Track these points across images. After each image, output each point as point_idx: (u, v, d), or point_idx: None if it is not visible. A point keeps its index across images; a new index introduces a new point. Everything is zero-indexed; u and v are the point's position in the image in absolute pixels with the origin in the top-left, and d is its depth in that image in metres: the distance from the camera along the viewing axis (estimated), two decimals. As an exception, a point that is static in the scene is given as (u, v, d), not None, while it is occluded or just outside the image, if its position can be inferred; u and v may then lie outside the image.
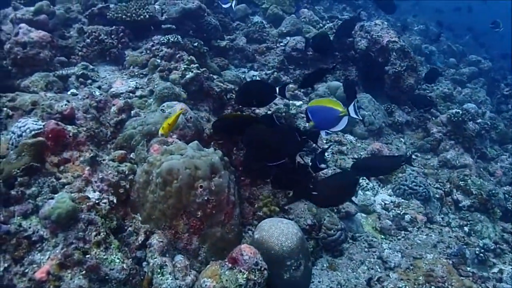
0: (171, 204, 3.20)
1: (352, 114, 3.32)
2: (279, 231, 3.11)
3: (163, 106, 3.97)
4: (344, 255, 4.06)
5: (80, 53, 4.98)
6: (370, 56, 6.63)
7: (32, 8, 5.20)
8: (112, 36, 5.24)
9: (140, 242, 3.22)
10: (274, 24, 7.52)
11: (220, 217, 3.30)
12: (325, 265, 3.94)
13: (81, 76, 4.64)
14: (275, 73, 5.95)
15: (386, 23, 6.96)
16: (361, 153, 5.44)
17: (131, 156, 3.75)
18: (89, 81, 4.68)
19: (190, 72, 4.52)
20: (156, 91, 4.33)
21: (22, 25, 4.67)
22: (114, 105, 4.17)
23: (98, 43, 5.03)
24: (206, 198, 3.20)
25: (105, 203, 3.23)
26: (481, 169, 6.23)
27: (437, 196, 5.12)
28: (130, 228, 3.38)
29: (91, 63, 4.95)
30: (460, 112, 6.45)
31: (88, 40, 5.02)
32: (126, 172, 3.50)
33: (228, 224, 3.37)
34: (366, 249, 4.20)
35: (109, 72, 4.95)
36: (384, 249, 4.27)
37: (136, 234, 3.31)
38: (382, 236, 4.47)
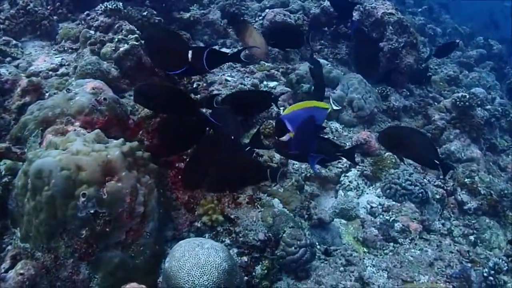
0: (44, 220, 2.11)
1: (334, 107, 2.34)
2: (193, 262, 1.98)
3: (72, 84, 2.87)
4: (311, 277, 2.92)
5: (1, 26, 3.88)
6: (362, 31, 5.41)
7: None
8: (48, 7, 4.14)
9: (2, 271, 2.14)
10: (258, -2, 6.32)
11: (118, 236, 2.21)
12: (284, 291, 2.81)
13: (-2, 53, 3.56)
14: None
15: (381, -6, 5.72)
16: (346, 143, 4.26)
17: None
18: (9, 58, 3.59)
19: (125, 44, 3.40)
20: (78, 68, 3.23)
21: None
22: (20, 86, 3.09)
23: (25, 14, 3.93)
24: (92, 211, 2.09)
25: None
26: (491, 164, 5.00)
27: (437, 196, 3.92)
28: (9, 247, 2.33)
29: (16, 38, 3.86)
30: (467, 96, 5.19)
31: (12, 11, 3.92)
32: (2, 173, 2.41)
33: (134, 245, 2.26)
34: (342, 268, 3.05)
35: (37, 48, 3.87)
36: (366, 267, 3.12)
37: (10, 258, 2.25)
38: (365, 250, 3.32)
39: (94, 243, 2.15)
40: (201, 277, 1.93)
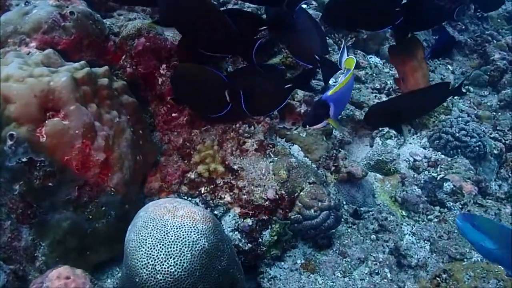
0: (-38, 169, 1.49)
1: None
2: (158, 236, 1.34)
3: (34, -5, 2.17)
4: (334, 246, 2.26)
5: None
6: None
7: None
8: None
9: None
10: None
11: (67, 193, 1.57)
12: (298, 261, 2.17)
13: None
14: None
15: None
16: (387, 82, 3.44)
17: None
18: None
19: None
20: (54, -23, 2.51)
21: None
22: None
23: None
24: (25, 159, 1.46)
25: None
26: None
27: (495, 151, 3.09)
28: None
29: None
30: (534, 34, 4.18)
31: None
32: None
33: (91, 204, 1.63)
34: (373, 235, 2.37)
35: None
36: (404, 235, 2.43)
37: None
38: (404, 213, 2.60)
39: (34, 201, 1.54)
40: (166, 261, 1.28)
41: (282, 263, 2.16)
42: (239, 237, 2.05)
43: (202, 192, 2.14)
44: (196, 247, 1.32)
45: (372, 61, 3.63)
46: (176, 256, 1.29)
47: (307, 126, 1.64)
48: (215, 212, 2.08)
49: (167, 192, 2.14)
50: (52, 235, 1.58)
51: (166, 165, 2.18)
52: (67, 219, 1.58)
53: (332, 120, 1.62)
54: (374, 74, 3.50)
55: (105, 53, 2.20)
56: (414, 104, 2.41)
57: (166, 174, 2.16)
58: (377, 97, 3.30)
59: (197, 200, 2.12)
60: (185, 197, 2.13)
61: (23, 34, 1.94)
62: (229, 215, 2.09)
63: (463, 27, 4.69)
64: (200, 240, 1.34)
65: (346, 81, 1.71)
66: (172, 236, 1.33)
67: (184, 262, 1.29)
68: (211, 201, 2.11)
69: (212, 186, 2.14)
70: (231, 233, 2.05)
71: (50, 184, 1.51)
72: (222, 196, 2.11)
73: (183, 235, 1.33)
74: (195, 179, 2.14)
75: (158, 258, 1.29)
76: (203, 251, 1.33)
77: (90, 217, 1.63)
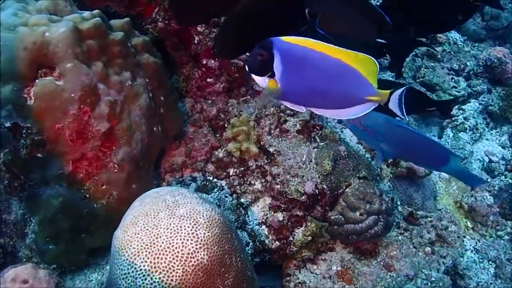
0: None
1: (393, 107, 1.03)
2: (146, 240, 1.05)
3: None
4: (379, 255, 1.88)
5: None
6: None
7: None
8: None
9: None
10: None
11: (59, 166, 1.34)
12: (334, 268, 1.83)
13: None
14: None
15: None
16: (467, 63, 2.89)
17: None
18: None
19: None
20: None
21: None
22: None
23: None
24: (9, 124, 1.22)
25: None
26: None
27: None
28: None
29: None
30: None
31: None
32: None
33: (90, 181, 1.37)
34: (428, 248, 1.96)
35: None
36: (465, 251, 2.00)
37: None
38: (469, 224, 2.15)
39: (22, 173, 1.28)
40: (150, 275, 0.99)
41: (315, 267, 1.83)
42: (266, 233, 1.74)
43: (231, 174, 1.83)
44: (191, 260, 1.01)
45: (452, 37, 3.06)
46: (163, 270, 0.99)
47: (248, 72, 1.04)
48: (242, 200, 1.77)
49: (191, 169, 1.85)
50: (42, 212, 1.34)
51: (193, 138, 1.88)
52: (58, 196, 1.32)
53: (273, 82, 1.06)
54: (453, 52, 2.95)
55: (136, 4, 1.89)
56: None
57: (192, 148, 1.86)
58: (453, 80, 2.79)
59: (223, 183, 1.82)
60: (211, 178, 1.83)
61: (38, -24, 1.67)
62: (258, 206, 1.77)
63: None
64: (198, 251, 1.03)
65: (317, 47, 1.01)
66: (162, 242, 1.02)
67: (172, 280, 0.99)
68: (238, 187, 1.79)
69: (243, 168, 1.82)
70: (257, 227, 1.74)
71: (39, 155, 1.25)
72: (252, 182, 1.79)
73: (176, 242, 1.02)
74: (223, 159, 1.83)
75: (141, 269, 1.00)
76: (200, 266, 1.02)
77: (87, 196, 1.36)
